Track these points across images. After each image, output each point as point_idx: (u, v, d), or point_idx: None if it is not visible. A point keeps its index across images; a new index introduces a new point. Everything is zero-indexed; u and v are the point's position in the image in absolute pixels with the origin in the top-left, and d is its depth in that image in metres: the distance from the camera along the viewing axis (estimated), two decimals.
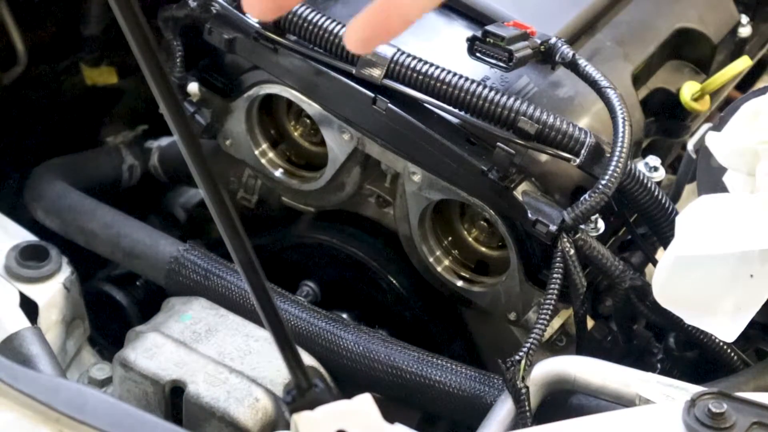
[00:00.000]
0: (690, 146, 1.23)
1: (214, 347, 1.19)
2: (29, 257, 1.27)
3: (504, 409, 1.03)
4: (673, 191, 1.25)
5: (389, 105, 1.14)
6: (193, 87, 1.29)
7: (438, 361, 1.18)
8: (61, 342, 1.29)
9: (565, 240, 1.07)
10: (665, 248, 1.10)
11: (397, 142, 1.18)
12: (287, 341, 0.68)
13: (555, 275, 1.07)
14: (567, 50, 1.13)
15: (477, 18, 1.20)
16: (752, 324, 1.00)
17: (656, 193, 1.12)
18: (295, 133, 1.34)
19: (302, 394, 0.68)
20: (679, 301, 1.01)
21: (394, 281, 1.31)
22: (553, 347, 1.25)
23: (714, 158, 1.05)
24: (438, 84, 1.10)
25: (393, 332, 1.29)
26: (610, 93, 1.10)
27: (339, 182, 1.28)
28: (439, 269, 1.26)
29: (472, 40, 1.11)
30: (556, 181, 1.14)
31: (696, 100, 1.30)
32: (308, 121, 1.31)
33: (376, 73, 1.12)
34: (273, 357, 1.17)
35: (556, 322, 1.24)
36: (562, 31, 1.20)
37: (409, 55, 1.12)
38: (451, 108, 1.11)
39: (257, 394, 1.14)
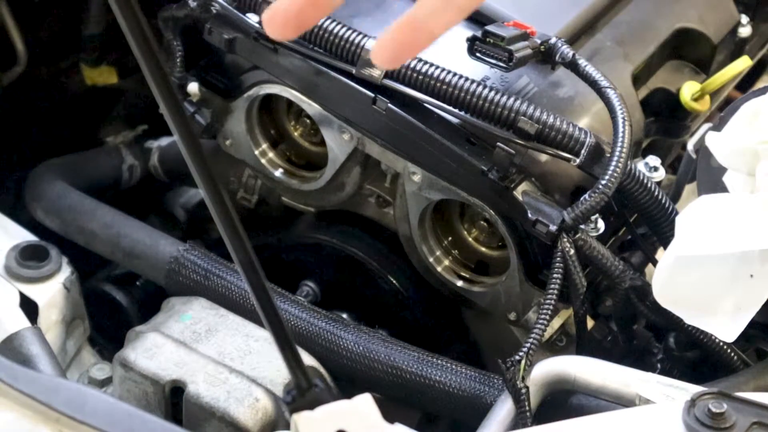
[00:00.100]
0: (690, 146, 1.23)
1: (214, 347, 1.19)
2: (29, 257, 1.27)
3: (504, 409, 1.03)
4: (673, 191, 1.25)
5: (389, 105, 1.14)
6: (193, 87, 1.29)
7: (438, 361, 1.18)
8: (61, 342, 1.29)
9: (565, 240, 1.07)
10: (665, 248, 1.10)
11: (397, 142, 1.18)
12: (287, 341, 0.68)
13: (555, 275, 1.07)
14: (567, 50, 1.13)
15: (477, 18, 1.20)
16: (752, 324, 1.00)
17: (656, 193, 1.12)
18: (295, 133, 1.34)
19: (302, 394, 0.68)
20: (679, 301, 1.01)
21: (394, 281, 1.31)
22: (553, 347, 1.25)
23: (714, 158, 1.05)
24: (438, 84, 1.10)
25: (393, 332, 1.29)
26: (610, 93, 1.10)
27: (339, 182, 1.28)
28: (439, 269, 1.26)
29: (472, 40, 1.11)
30: (556, 181, 1.14)
31: (696, 100, 1.30)
32: (308, 121, 1.31)
33: (376, 73, 1.12)
34: (273, 357, 1.17)
35: (556, 322, 1.24)
36: (562, 31, 1.20)
37: None
38: (451, 108, 1.11)
39: (257, 394, 1.14)
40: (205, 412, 1.14)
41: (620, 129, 1.08)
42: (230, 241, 0.66)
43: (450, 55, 1.15)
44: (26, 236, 1.31)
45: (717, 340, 1.10)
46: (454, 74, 1.11)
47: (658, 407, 0.95)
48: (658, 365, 1.18)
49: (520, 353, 1.03)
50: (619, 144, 1.07)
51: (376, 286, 1.32)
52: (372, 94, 1.15)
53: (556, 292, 1.06)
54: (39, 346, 1.17)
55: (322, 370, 1.19)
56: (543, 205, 1.11)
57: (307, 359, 1.19)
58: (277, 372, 1.17)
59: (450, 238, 1.27)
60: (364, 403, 0.69)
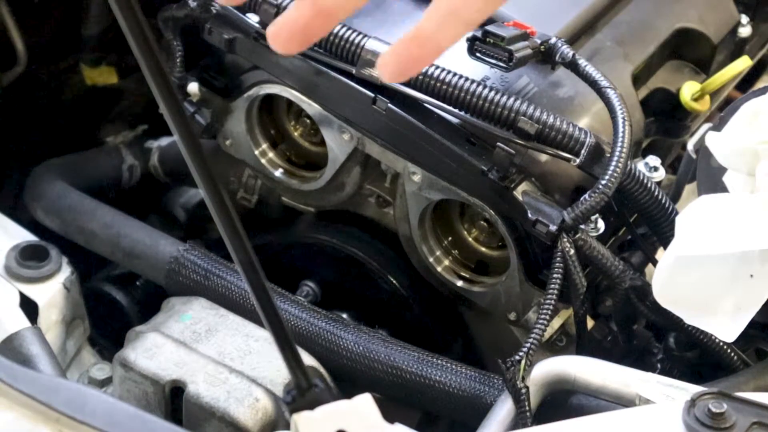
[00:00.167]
0: (690, 146, 1.23)
1: (214, 347, 1.19)
2: (29, 257, 1.27)
3: (504, 409, 1.03)
4: (673, 191, 1.25)
5: (389, 105, 1.14)
6: (193, 87, 1.29)
7: (438, 361, 1.18)
8: (61, 342, 1.29)
9: (565, 240, 1.07)
10: (665, 248, 1.10)
11: (397, 142, 1.18)
12: (287, 341, 0.68)
13: (555, 275, 1.07)
14: (567, 50, 1.13)
15: None
16: (752, 324, 1.00)
17: (656, 193, 1.12)
18: (295, 133, 1.34)
19: (302, 394, 0.68)
20: (679, 301, 1.01)
21: (394, 281, 1.31)
22: (553, 347, 1.25)
23: (714, 158, 1.05)
24: (438, 84, 1.10)
25: (393, 332, 1.29)
26: (610, 93, 1.10)
27: (339, 182, 1.28)
28: (439, 269, 1.26)
29: (471, 40, 1.11)
30: (556, 181, 1.14)
31: (696, 100, 1.30)
32: (308, 121, 1.31)
33: (376, 73, 1.12)
34: (273, 357, 1.17)
35: (556, 322, 1.24)
36: (562, 31, 1.20)
37: None
38: (451, 108, 1.11)
39: (257, 394, 1.14)
40: (205, 412, 1.14)
41: (620, 129, 1.08)
42: (230, 241, 0.66)
43: (450, 55, 1.15)
44: (26, 236, 1.31)
45: (717, 340, 1.10)
46: (454, 74, 1.11)
47: (658, 407, 0.95)
48: (658, 365, 1.18)
49: (520, 353, 1.03)
50: (619, 144, 1.07)
51: (376, 286, 1.32)
52: (372, 94, 1.15)
53: (556, 292, 1.06)
54: (39, 346, 1.17)
55: (322, 370, 1.19)
56: (543, 205, 1.10)
57: (307, 359, 1.19)
58: (277, 372, 1.17)
59: (450, 238, 1.27)
60: (364, 403, 0.69)
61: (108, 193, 1.51)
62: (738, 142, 1.02)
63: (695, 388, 0.95)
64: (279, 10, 1.16)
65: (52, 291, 1.27)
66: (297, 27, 0.68)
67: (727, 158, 1.04)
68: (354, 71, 1.14)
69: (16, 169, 1.57)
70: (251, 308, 1.22)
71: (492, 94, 1.09)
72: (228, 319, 1.23)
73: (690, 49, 1.35)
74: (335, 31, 1.14)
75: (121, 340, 1.23)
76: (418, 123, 1.14)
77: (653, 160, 1.20)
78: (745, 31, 1.41)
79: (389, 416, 0.71)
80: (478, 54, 1.11)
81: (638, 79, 1.28)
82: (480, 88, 1.09)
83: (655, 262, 1.19)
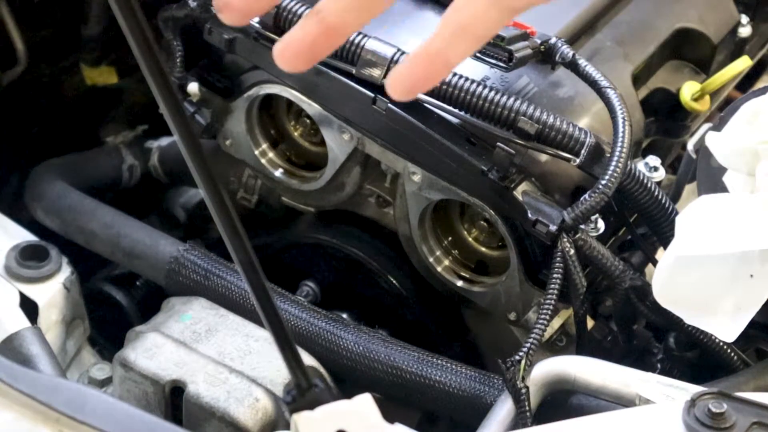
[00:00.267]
0: (690, 146, 1.23)
1: (214, 347, 1.19)
2: (29, 257, 1.27)
3: (504, 409, 1.03)
4: (673, 191, 1.25)
5: (389, 105, 1.14)
6: (193, 87, 1.29)
7: (438, 361, 1.18)
8: (61, 342, 1.29)
9: (565, 240, 1.07)
10: (665, 248, 1.10)
11: (397, 142, 1.18)
12: (287, 341, 0.68)
13: (555, 275, 1.07)
14: (567, 50, 1.13)
15: None
16: (752, 324, 1.00)
17: (656, 193, 1.12)
18: (295, 133, 1.34)
19: (302, 394, 0.68)
20: (679, 301, 1.01)
21: (394, 281, 1.31)
22: (553, 347, 1.25)
23: (714, 158, 1.05)
24: (438, 84, 1.10)
25: (393, 332, 1.29)
26: (610, 93, 1.10)
27: (339, 182, 1.28)
28: (439, 269, 1.26)
29: None
30: (556, 181, 1.14)
31: (696, 100, 1.30)
32: (308, 121, 1.31)
33: (376, 73, 1.12)
34: (273, 357, 1.17)
35: (556, 322, 1.24)
36: (562, 31, 1.20)
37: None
38: (451, 108, 1.11)
39: (257, 394, 1.14)
40: (205, 412, 1.14)
41: (620, 129, 1.08)
42: (230, 241, 0.66)
43: None
44: (26, 236, 1.31)
45: (717, 340, 1.10)
46: (454, 74, 1.11)
47: (658, 407, 0.95)
48: (658, 365, 1.18)
49: (520, 353, 1.03)
50: (619, 144, 1.07)
51: (376, 286, 1.32)
52: (372, 94, 1.15)
53: (556, 292, 1.06)
54: (39, 346, 1.17)
55: (322, 370, 1.19)
56: (543, 205, 1.11)
57: (307, 359, 1.19)
58: (277, 372, 1.17)
59: (450, 238, 1.27)
60: (364, 403, 0.69)
61: (108, 193, 1.51)
62: (738, 142, 1.02)
63: (695, 388, 0.95)
64: (279, 10, 1.16)
65: (52, 291, 1.27)
66: (304, 45, 0.67)
67: (727, 158, 1.04)
68: (354, 71, 1.14)
69: (16, 169, 1.57)
70: (251, 308, 1.22)
71: (492, 94, 1.09)
72: (228, 319, 1.23)
73: (690, 49, 1.35)
74: None
75: (121, 340, 1.23)
76: (418, 123, 1.14)
77: (653, 160, 1.20)
78: (745, 31, 1.41)
79: (389, 416, 0.71)
80: (478, 54, 1.11)
81: (638, 79, 1.28)
82: (480, 88, 1.09)
83: (655, 262, 1.19)
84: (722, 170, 1.06)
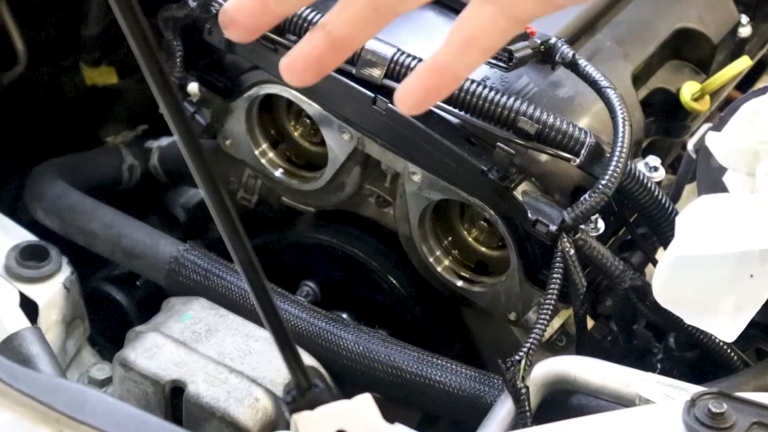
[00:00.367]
0: (690, 146, 1.23)
1: (214, 347, 1.19)
2: (29, 257, 1.27)
3: (504, 409, 1.03)
4: (673, 191, 1.25)
5: (389, 105, 1.14)
6: (193, 87, 1.29)
7: (438, 361, 1.18)
8: (61, 342, 1.29)
9: (565, 240, 1.07)
10: (665, 248, 1.10)
11: (397, 142, 1.18)
12: (287, 341, 0.68)
13: (555, 275, 1.07)
14: (567, 50, 1.13)
15: None
16: (752, 324, 1.00)
17: (656, 193, 1.12)
18: (295, 133, 1.34)
19: (302, 394, 0.68)
20: (679, 301, 1.01)
21: (394, 281, 1.31)
22: (553, 347, 1.25)
23: (714, 158, 1.05)
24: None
25: (393, 332, 1.29)
26: (610, 93, 1.10)
27: (339, 182, 1.28)
28: (439, 269, 1.26)
29: None
30: (556, 181, 1.14)
31: (696, 100, 1.30)
32: (308, 121, 1.31)
33: (376, 73, 1.12)
34: (273, 357, 1.17)
35: (556, 322, 1.24)
36: (562, 31, 1.20)
37: (409, 55, 1.12)
38: (451, 108, 1.11)
39: (257, 394, 1.14)
40: (205, 412, 1.14)
41: (620, 129, 1.08)
42: (230, 241, 0.66)
43: None
44: (26, 236, 1.31)
45: (717, 340, 1.10)
46: None
47: (658, 407, 0.95)
48: (658, 365, 1.18)
49: (520, 353, 1.03)
50: (619, 144, 1.07)
51: (376, 286, 1.32)
52: (372, 94, 1.15)
53: (556, 292, 1.06)
54: (39, 346, 1.17)
55: (322, 370, 1.19)
56: (543, 205, 1.11)
57: (307, 359, 1.19)
58: (277, 372, 1.17)
59: (450, 238, 1.27)
60: (364, 403, 0.69)
61: (108, 193, 1.51)
62: (738, 142, 1.02)
63: (695, 388, 0.95)
64: None
65: (52, 291, 1.27)
66: (311, 59, 0.67)
67: (727, 158, 1.04)
68: (354, 71, 1.14)
69: (16, 169, 1.57)
70: (251, 308, 1.22)
71: (492, 94, 1.09)
72: (228, 319, 1.23)
73: (690, 49, 1.35)
74: None
75: (121, 340, 1.23)
76: (418, 123, 1.14)
77: (653, 160, 1.19)
78: (745, 31, 1.41)
79: (389, 416, 0.71)
80: None
81: (638, 79, 1.28)
82: (480, 88, 1.09)
83: (655, 262, 1.19)
84: (722, 170, 1.06)
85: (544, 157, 1.12)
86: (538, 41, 1.13)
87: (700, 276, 0.99)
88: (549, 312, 1.06)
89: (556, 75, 1.19)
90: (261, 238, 1.39)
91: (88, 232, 1.36)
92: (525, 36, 1.12)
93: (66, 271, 1.29)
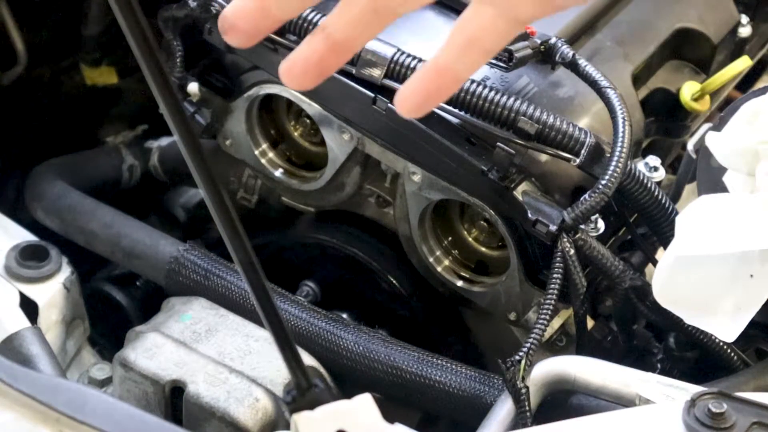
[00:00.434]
0: (690, 146, 1.23)
1: (214, 347, 1.19)
2: (29, 257, 1.27)
3: (504, 409, 1.03)
4: (673, 191, 1.25)
5: (389, 105, 1.14)
6: (193, 87, 1.29)
7: (438, 361, 1.18)
8: (61, 342, 1.29)
9: (565, 240, 1.07)
10: (665, 248, 1.10)
11: (397, 142, 1.18)
12: (287, 341, 0.68)
13: (555, 275, 1.07)
14: (567, 50, 1.13)
15: None
16: (752, 324, 1.00)
17: (656, 193, 1.12)
18: (295, 133, 1.34)
19: (302, 394, 0.68)
20: (679, 301, 1.01)
21: (394, 281, 1.31)
22: (553, 347, 1.25)
23: (714, 158, 1.05)
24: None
25: (393, 332, 1.29)
26: (610, 93, 1.10)
27: (339, 182, 1.28)
28: (439, 269, 1.26)
29: None
30: (556, 181, 1.14)
31: (696, 100, 1.30)
32: (308, 121, 1.31)
33: (376, 73, 1.12)
34: (273, 357, 1.17)
35: (556, 322, 1.24)
36: (562, 31, 1.20)
37: (409, 55, 1.12)
38: (451, 108, 1.11)
39: (257, 394, 1.14)
40: (205, 412, 1.14)
41: (620, 129, 1.08)
42: (230, 241, 0.66)
43: None
44: (26, 236, 1.31)
45: (717, 340, 1.10)
46: None
47: (658, 407, 0.95)
48: (658, 365, 1.18)
49: (520, 353, 1.03)
50: (619, 144, 1.07)
51: (376, 286, 1.32)
52: (372, 94, 1.15)
53: (556, 292, 1.06)
54: (39, 346, 1.17)
55: (322, 370, 1.19)
56: (543, 205, 1.11)
57: (307, 359, 1.19)
58: (277, 372, 1.17)
59: (450, 238, 1.27)
60: (364, 403, 0.69)
61: (108, 193, 1.51)
62: (738, 142, 1.02)
63: (695, 388, 0.95)
64: None
65: (52, 291, 1.27)
66: (311, 63, 0.67)
67: (727, 158, 1.04)
68: (354, 71, 1.14)
69: (16, 169, 1.57)
70: (251, 308, 1.22)
71: (492, 94, 1.09)
72: (228, 319, 1.23)
73: (690, 49, 1.35)
74: None
75: (121, 340, 1.23)
76: (418, 123, 1.14)
77: (653, 160, 1.19)
78: (745, 31, 1.41)
79: (389, 416, 0.71)
80: None
81: (638, 79, 1.28)
82: (480, 88, 1.09)
83: (655, 262, 1.19)
84: (722, 170, 1.06)
85: (544, 157, 1.12)
86: (538, 41, 1.13)
87: (700, 276, 0.99)
88: (549, 312, 1.06)
89: (556, 75, 1.19)
90: (261, 238, 1.39)
91: (88, 232, 1.36)
92: (525, 36, 1.12)
93: (66, 271, 1.29)
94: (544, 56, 1.14)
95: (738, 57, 1.34)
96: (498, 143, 1.09)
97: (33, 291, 1.25)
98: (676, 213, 1.12)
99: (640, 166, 1.17)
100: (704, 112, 1.32)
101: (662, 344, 1.19)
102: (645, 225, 1.17)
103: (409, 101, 0.68)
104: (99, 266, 1.48)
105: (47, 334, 1.23)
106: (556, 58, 1.14)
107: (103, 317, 1.44)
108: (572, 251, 1.07)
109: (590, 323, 1.21)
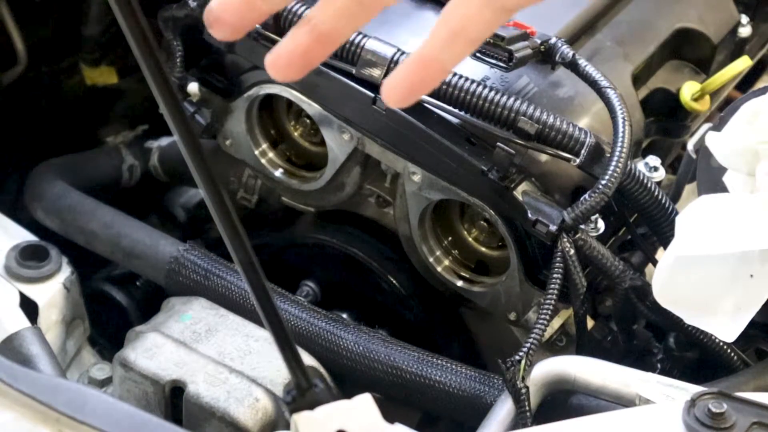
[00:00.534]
0: (690, 146, 1.23)
1: (214, 347, 1.19)
2: (29, 257, 1.27)
3: (504, 409, 1.03)
4: (673, 191, 1.25)
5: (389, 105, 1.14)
6: (193, 87, 1.29)
7: (438, 361, 1.18)
8: (61, 342, 1.29)
9: (565, 240, 1.07)
10: (665, 248, 1.10)
11: (397, 142, 1.18)
12: (287, 341, 0.68)
13: (555, 275, 1.07)
14: (567, 50, 1.13)
15: None
16: (752, 324, 1.00)
17: (656, 193, 1.12)
18: (295, 133, 1.34)
19: (302, 394, 0.68)
20: (679, 301, 1.01)
21: (394, 281, 1.31)
22: (553, 347, 1.25)
23: (714, 158, 1.05)
24: (434, 88, 1.10)
25: (393, 332, 1.29)
26: (610, 93, 1.10)
27: (339, 182, 1.28)
28: (439, 269, 1.26)
29: None
30: (556, 181, 1.14)
31: (696, 100, 1.30)
32: (308, 121, 1.31)
33: (376, 73, 1.12)
34: (273, 357, 1.17)
35: (556, 322, 1.24)
36: (562, 31, 1.20)
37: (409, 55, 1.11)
38: (451, 108, 1.11)
39: (257, 394, 1.14)
40: (205, 412, 1.14)
41: (620, 129, 1.08)
42: (230, 241, 0.66)
43: None
44: (26, 236, 1.31)
45: (717, 340, 1.10)
46: (454, 74, 1.11)
47: (658, 407, 0.95)
48: (658, 365, 1.18)
49: (520, 353, 1.03)
50: (619, 144, 1.07)
51: (376, 286, 1.32)
52: (372, 94, 1.15)
53: (556, 292, 1.06)
54: (39, 346, 1.17)
55: (322, 370, 1.19)
56: (543, 205, 1.10)
57: (307, 359, 1.19)
58: (277, 372, 1.17)
59: (450, 238, 1.27)
60: (364, 403, 0.69)
61: (108, 193, 1.51)
62: (738, 142, 1.02)
63: (695, 388, 0.95)
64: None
65: (52, 291, 1.27)
66: (296, 54, 0.66)
67: (727, 158, 1.04)
68: (354, 71, 1.14)
69: (16, 169, 1.57)
70: (251, 308, 1.22)
71: (492, 94, 1.09)
72: (228, 319, 1.23)
73: (690, 49, 1.35)
74: None
75: (121, 340, 1.23)
76: (418, 123, 1.14)
77: (653, 160, 1.20)
78: (745, 31, 1.41)
79: (389, 416, 0.71)
80: (478, 54, 1.11)
81: (638, 79, 1.28)
82: (480, 88, 1.09)
83: (655, 262, 1.19)
84: (722, 170, 1.06)
85: (544, 157, 1.12)
86: (538, 41, 1.13)
87: (700, 276, 0.99)
88: (549, 312, 1.06)
89: (556, 75, 1.19)
90: (261, 238, 1.39)
91: (88, 232, 1.36)
92: (525, 36, 1.12)
93: (66, 271, 1.29)
94: (544, 56, 1.14)
95: (738, 57, 1.34)
96: (498, 143, 1.09)
97: (33, 291, 1.25)
98: (676, 213, 1.12)
99: (640, 166, 1.17)
100: (704, 112, 1.32)
101: (662, 344, 1.19)
102: (645, 225, 1.17)
103: (395, 92, 0.68)
104: (99, 266, 1.48)
105: (47, 334, 1.23)
106: (556, 58, 1.14)
107: (103, 317, 1.44)
108: (572, 251, 1.07)
109: (590, 323, 1.21)
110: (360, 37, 1.14)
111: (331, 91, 1.18)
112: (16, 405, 0.75)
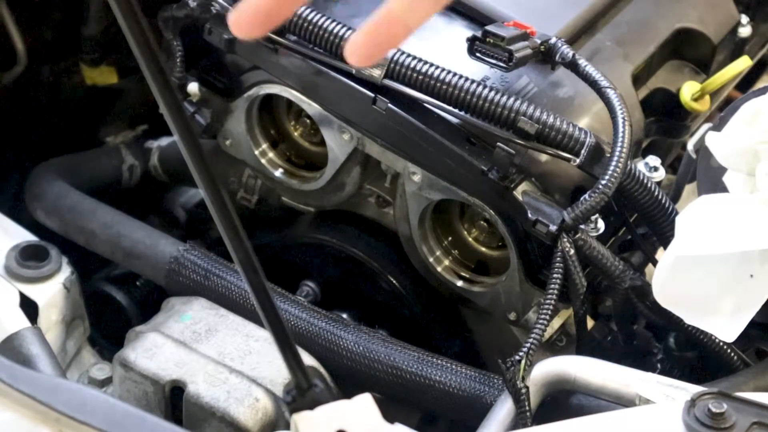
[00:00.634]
0: (690, 146, 1.23)
1: (214, 347, 1.19)
2: (29, 257, 1.27)
3: (504, 409, 1.03)
4: (673, 191, 1.25)
5: (389, 105, 1.14)
6: (193, 87, 1.29)
7: (438, 361, 1.18)
8: (61, 342, 1.29)
9: (565, 240, 1.07)
10: (665, 248, 1.10)
11: (397, 142, 1.18)
12: (287, 341, 0.68)
13: (555, 275, 1.07)
14: (567, 50, 1.13)
15: (477, 18, 1.20)
16: (752, 324, 1.00)
17: (656, 193, 1.12)
18: (295, 133, 1.34)
19: (302, 394, 0.68)
20: (679, 301, 1.01)
21: (394, 281, 1.31)
22: (553, 347, 1.25)
23: (714, 158, 1.05)
24: (438, 84, 1.10)
25: (393, 332, 1.29)
26: (610, 93, 1.10)
27: (339, 182, 1.28)
28: (439, 269, 1.26)
29: (472, 40, 1.11)
30: (556, 181, 1.14)
31: (696, 100, 1.30)
32: (308, 121, 1.31)
33: (376, 73, 1.12)
34: (273, 357, 1.17)
35: (556, 322, 1.24)
36: (562, 31, 1.20)
37: (409, 55, 1.12)
38: (451, 108, 1.11)
39: (257, 394, 1.14)
40: (205, 412, 1.14)
41: (620, 129, 1.08)
42: (230, 241, 0.66)
43: (450, 55, 1.15)
44: (26, 236, 1.31)
45: (717, 340, 1.10)
46: (454, 74, 1.11)
47: (658, 407, 0.95)
48: (658, 365, 1.18)
49: (520, 353, 1.03)
50: (619, 144, 1.07)
51: (376, 286, 1.32)
52: (372, 94, 1.15)
53: (556, 292, 1.06)
54: (39, 346, 1.17)
55: (322, 370, 1.19)
56: (543, 205, 1.11)
57: (307, 359, 1.19)
58: (277, 372, 1.17)
59: (450, 238, 1.27)
60: (364, 403, 0.69)
61: (108, 194, 1.51)
62: (738, 142, 1.02)
63: (695, 388, 0.95)
64: None
65: (52, 291, 1.27)
66: (259, 12, 0.66)
67: (727, 158, 1.04)
68: (354, 71, 1.14)
69: (16, 169, 1.57)
70: (251, 308, 1.22)
71: (492, 94, 1.09)
72: (228, 319, 1.23)
73: (690, 49, 1.35)
74: (335, 30, 1.14)
75: (121, 340, 1.23)
76: (418, 123, 1.14)
77: (653, 160, 1.20)
78: (745, 31, 1.41)
79: (389, 416, 0.71)
80: (478, 54, 1.11)
81: (638, 79, 1.28)
82: (480, 88, 1.09)
83: (655, 262, 1.19)
84: (722, 170, 1.06)
85: (544, 157, 1.12)
86: (538, 41, 1.13)
87: (700, 276, 0.99)
88: (549, 312, 1.06)
89: (556, 75, 1.19)
90: (261, 238, 1.39)
91: (88, 232, 1.36)
92: (525, 36, 1.12)
93: (66, 271, 1.29)
94: (544, 56, 1.14)
95: (738, 57, 1.34)
96: (498, 143, 1.09)
97: (33, 291, 1.25)
98: (676, 213, 1.12)
99: (640, 166, 1.17)
100: (704, 112, 1.32)
101: (662, 344, 1.19)
102: (645, 225, 1.17)
103: (359, 50, 0.68)
104: (99, 266, 1.48)
105: (47, 334, 1.23)
106: (556, 58, 1.14)
107: (103, 317, 1.44)
108: (572, 251, 1.07)
109: (590, 323, 1.21)
110: None
111: (331, 91, 1.18)
112: (16, 405, 0.75)
